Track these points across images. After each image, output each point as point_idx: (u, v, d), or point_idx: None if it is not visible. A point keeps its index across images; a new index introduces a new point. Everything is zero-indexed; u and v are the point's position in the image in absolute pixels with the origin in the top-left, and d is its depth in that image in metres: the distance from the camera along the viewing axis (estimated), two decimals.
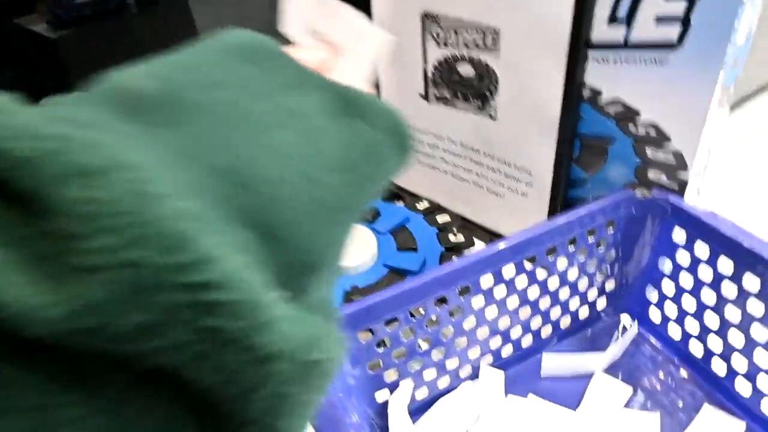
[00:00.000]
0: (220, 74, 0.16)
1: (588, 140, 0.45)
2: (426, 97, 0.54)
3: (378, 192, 0.18)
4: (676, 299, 0.42)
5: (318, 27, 0.22)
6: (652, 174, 0.42)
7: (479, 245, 0.54)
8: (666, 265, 0.43)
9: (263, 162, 0.14)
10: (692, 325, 0.41)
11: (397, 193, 0.65)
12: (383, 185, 0.18)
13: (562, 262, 0.42)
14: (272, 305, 0.12)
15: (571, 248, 0.42)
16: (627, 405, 0.40)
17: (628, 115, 0.41)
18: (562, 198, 0.48)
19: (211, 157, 0.14)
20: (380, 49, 0.22)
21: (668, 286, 0.43)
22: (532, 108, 0.45)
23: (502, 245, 0.39)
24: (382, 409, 0.40)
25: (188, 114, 0.14)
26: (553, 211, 0.49)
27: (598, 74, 0.41)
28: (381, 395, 0.40)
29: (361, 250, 0.50)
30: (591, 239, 0.42)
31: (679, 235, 0.41)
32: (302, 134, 0.16)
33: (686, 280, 0.41)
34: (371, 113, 0.18)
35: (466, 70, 0.49)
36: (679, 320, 0.43)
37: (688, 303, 0.41)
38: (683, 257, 0.41)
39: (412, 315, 0.38)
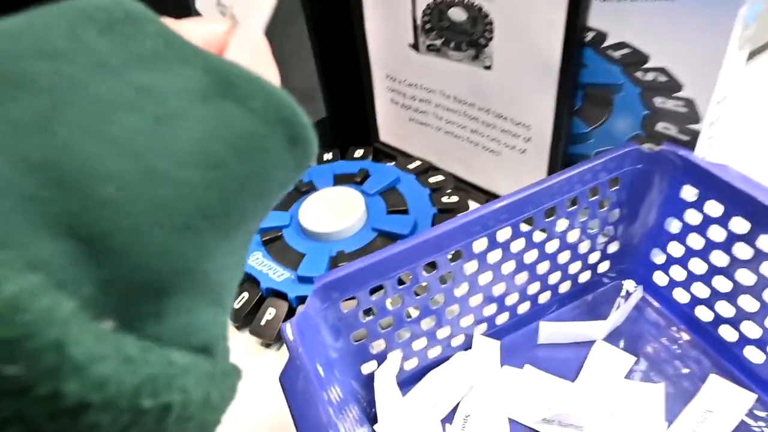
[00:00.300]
0: (57, 43, 0.12)
1: (591, 90, 0.41)
2: (416, 46, 0.50)
3: (269, 195, 0.15)
4: (684, 262, 0.39)
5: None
6: (661, 126, 0.39)
7: (474, 207, 0.51)
8: (673, 226, 0.40)
9: (93, 153, 0.11)
10: (700, 290, 0.39)
11: (388, 153, 0.62)
12: (276, 187, 0.15)
13: (561, 224, 0.39)
14: (83, 340, 0.10)
15: (572, 208, 0.39)
16: (629, 375, 0.38)
17: (636, 59, 0.37)
18: (562, 154, 0.44)
19: (22, 146, 0.11)
20: (268, 13, 0.18)
21: (675, 248, 0.40)
22: (530, 55, 0.41)
23: (496, 206, 0.36)
24: (369, 382, 0.37)
25: (3, 90, 0.11)
26: (553, 169, 0.45)
27: (602, 14, 0.37)
28: (367, 367, 0.37)
29: (348, 212, 0.47)
30: (593, 198, 0.39)
31: (688, 192, 0.37)
32: (153, 119, 0.13)
33: (695, 241, 0.38)
34: (252, 97, 0.14)
35: (457, 14, 0.44)
36: (686, 284, 0.40)
37: (697, 266, 0.38)
38: (693, 216, 0.38)
39: (400, 282, 0.35)
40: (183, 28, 0.15)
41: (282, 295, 0.43)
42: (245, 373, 0.45)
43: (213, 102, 0.13)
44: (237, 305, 0.44)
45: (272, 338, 0.42)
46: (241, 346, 0.44)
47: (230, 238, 0.14)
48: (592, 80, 0.40)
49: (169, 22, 0.15)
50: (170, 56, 0.14)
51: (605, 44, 0.38)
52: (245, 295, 0.44)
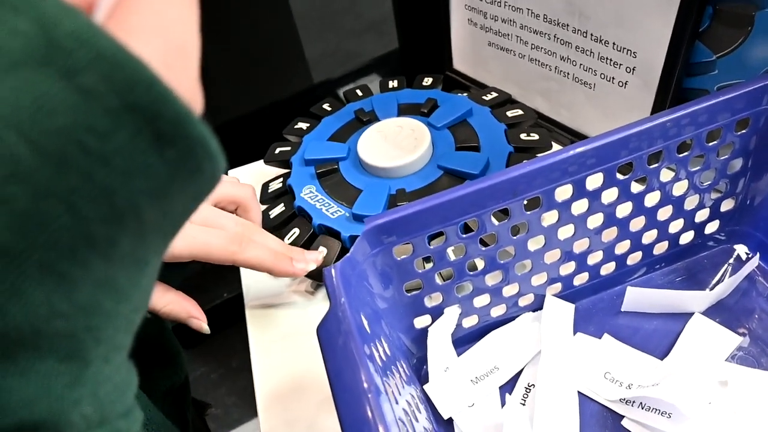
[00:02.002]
0: None
1: (726, 5, 0.32)
2: None
3: (131, 215, 0.11)
4: None
5: None
6: None
7: (558, 149, 0.45)
8: None
9: None
10: None
11: (460, 83, 0.55)
12: (144, 203, 0.11)
13: (666, 174, 0.32)
14: None
15: (682, 155, 0.32)
16: (732, 358, 0.32)
17: None
18: (675, 89, 0.36)
19: None
20: None
21: None
22: None
23: (586, 147, 0.30)
24: (421, 338, 0.33)
25: None
26: (660, 107, 0.38)
27: None
28: (420, 321, 0.33)
29: (411, 147, 0.42)
30: (711, 143, 0.32)
31: None
32: None
33: None
34: (86, 69, 0.09)
35: None
36: None
37: None
38: None
39: (465, 229, 0.30)
40: None
41: (335, 233, 0.40)
42: (295, 316, 0.40)
43: (27, 71, 0.09)
44: (288, 241, 0.41)
45: (322, 280, 0.39)
46: (290, 286, 0.41)
47: (64, 278, 0.10)
48: None
49: None
50: None
51: None
52: (296, 231, 0.41)
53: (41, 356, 0.10)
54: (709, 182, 0.34)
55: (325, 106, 0.52)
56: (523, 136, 0.42)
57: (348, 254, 0.28)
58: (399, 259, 0.30)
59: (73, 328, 0.11)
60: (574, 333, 0.34)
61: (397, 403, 0.25)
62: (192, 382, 0.48)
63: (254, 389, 0.36)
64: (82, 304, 0.11)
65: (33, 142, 0.09)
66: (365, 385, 0.22)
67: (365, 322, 0.27)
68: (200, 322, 0.35)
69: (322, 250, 0.39)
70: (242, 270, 0.43)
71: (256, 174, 0.52)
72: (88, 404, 0.11)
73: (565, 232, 0.32)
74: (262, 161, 0.49)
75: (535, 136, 0.42)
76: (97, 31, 0.10)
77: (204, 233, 0.33)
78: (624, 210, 0.33)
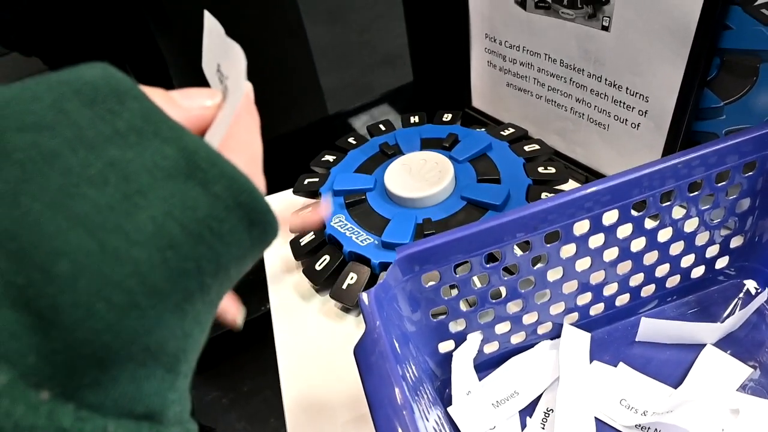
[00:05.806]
0: (40, 115, 0.13)
1: (732, 56, 0.35)
2: (523, 3, 0.45)
3: (225, 272, 0.15)
4: None
5: (222, 67, 0.18)
6: None
7: (572, 184, 0.47)
8: None
9: (51, 227, 0.12)
10: None
11: (478, 119, 0.58)
12: (233, 264, 0.15)
13: (677, 211, 0.34)
14: (14, 412, 0.11)
15: (692, 194, 0.34)
16: (743, 389, 0.33)
17: None
18: (685, 132, 0.39)
19: None
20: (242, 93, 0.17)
21: None
22: (660, 14, 0.36)
23: (605, 185, 0.32)
24: (445, 362, 0.35)
25: None
26: (671, 149, 0.40)
27: None
28: (444, 346, 0.35)
29: (436, 179, 0.45)
30: (720, 184, 0.34)
31: None
32: (116, 195, 0.13)
33: None
34: (215, 181, 0.14)
35: None
36: None
37: None
38: None
39: (488, 259, 0.33)
40: (171, 99, 0.16)
41: (364, 260, 0.42)
42: (323, 338, 0.43)
43: (177, 182, 0.14)
44: (318, 267, 0.43)
45: (353, 303, 0.41)
46: (320, 309, 0.43)
47: (183, 312, 0.14)
48: (734, 45, 0.34)
49: (156, 94, 0.16)
50: (146, 131, 0.14)
51: (759, 0, 0.32)
52: (326, 257, 0.43)
53: (157, 366, 0.14)
54: (719, 220, 0.36)
55: (350, 140, 0.55)
56: (540, 169, 0.45)
57: (381, 281, 0.30)
58: (427, 285, 0.32)
59: (177, 348, 0.15)
60: (591, 361, 0.36)
61: (428, 420, 0.27)
62: (203, 407, 0.49)
63: (267, 414, 0.38)
64: (185, 331, 0.15)
65: (183, 225, 0.14)
66: (401, 402, 0.24)
67: (396, 344, 0.29)
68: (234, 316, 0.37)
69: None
70: (270, 291, 0.46)
71: (283, 203, 0.54)
72: (177, 406, 0.15)
73: (583, 264, 0.34)
74: (288, 191, 0.52)
75: (552, 170, 0.44)
76: (220, 157, 0.15)
77: None
78: (638, 245, 0.35)
